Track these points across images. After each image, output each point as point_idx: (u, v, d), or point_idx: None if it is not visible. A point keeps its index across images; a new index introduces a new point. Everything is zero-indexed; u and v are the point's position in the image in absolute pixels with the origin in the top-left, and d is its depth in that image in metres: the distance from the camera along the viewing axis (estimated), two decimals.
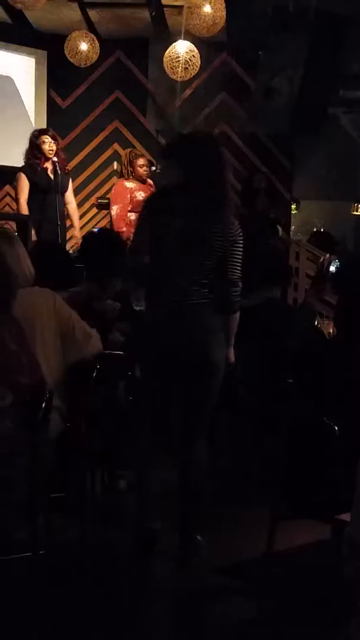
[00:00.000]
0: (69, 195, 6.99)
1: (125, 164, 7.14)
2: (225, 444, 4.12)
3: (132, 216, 6.93)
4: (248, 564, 3.32)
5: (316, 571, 3.23)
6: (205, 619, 2.98)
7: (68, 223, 7.08)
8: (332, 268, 3.25)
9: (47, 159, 6.62)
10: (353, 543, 1.66)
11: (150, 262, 3.25)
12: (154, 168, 7.27)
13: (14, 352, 2.79)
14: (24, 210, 6.58)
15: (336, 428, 2.71)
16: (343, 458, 2.61)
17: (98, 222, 8.78)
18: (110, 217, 7.19)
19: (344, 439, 2.66)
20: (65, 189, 6.84)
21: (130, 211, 6.94)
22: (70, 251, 5.96)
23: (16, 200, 6.77)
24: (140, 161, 7.05)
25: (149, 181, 7.09)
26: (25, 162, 6.70)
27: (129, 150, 7.55)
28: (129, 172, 7.08)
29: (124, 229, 6.69)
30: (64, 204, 6.86)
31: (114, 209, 7.03)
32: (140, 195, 6.88)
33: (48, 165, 6.64)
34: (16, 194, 6.71)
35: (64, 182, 6.81)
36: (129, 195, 6.95)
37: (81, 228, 7.59)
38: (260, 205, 7.67)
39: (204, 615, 3.01)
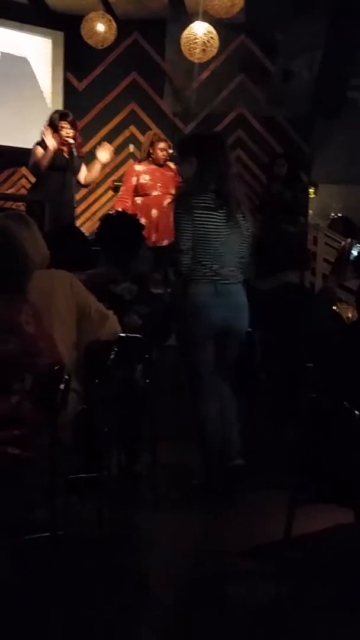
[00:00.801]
0: (80, 175, 6.93)
1: (147, 145, 7.11)
2: (245, 427, 4.10)
3: (138, 200, 6.92)
4: (268, 548, 3.31)
5: (338, 556, 3.21)
6: (225, 602, 2.97)
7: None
8: (354, 252, 3.21)
9: (63, 142, 6.59)
10: None
11: (195, 254, 3.82)
12: (171, 151, 7.23)
13: (32, 335, 2.77)
14: (42, 162, 6.48)
15: (356, 412, 2.68)
16: None
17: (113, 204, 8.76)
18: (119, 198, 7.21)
19: None
20: (77, 172, 6.82)
21: (135, 195, 6.91)
22: (87, 233, 5.94)
23: (35, 161, 6.61)
24: (162, 144, 7.03)
25: (169, 164, 7.05)
26: (42, 138, 6.65)
27: (152, 132, 7.51)
28: (148, 153, 7.04)
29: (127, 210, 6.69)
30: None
31: (121, 190, 7.11)
32: (144, 179, 6.87)
33: (64, 148, 6.62)
34: (32, 159, 6.62)
35: (79, 165, 6.80)
36: (135, 178, 6.94)
37: (97, 210, 7.56)
38: (280, 189, 7.62)
39: (224, 598, 3.00)
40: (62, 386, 2.71)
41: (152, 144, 7.05)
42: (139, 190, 6.94)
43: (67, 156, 6.61)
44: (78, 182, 6.87)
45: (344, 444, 2.73)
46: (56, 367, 2.75)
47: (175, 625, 2.82)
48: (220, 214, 3.80)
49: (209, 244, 3.79)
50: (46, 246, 3.09)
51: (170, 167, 7.05)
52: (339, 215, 9.66)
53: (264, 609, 2.92)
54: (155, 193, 6.96)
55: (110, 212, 5.61)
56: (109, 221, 4.22)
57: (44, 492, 2.67)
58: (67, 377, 2.74)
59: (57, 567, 2.72)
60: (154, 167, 7.01)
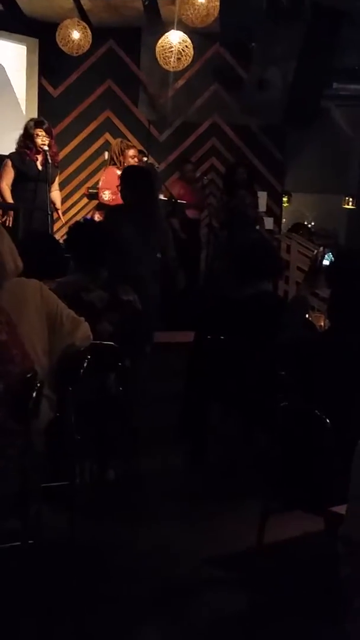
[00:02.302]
0: (54, 184, 6.97)
1: (117, 153, 7.12)
2: (216, 436, 4.11)
3: None
4: (240, 557, 3.31)
5: (308, 564, 3.22)
6: (197, 612, 2.97)
7: (55, 216, 7.07)
8: (325, 261, 3.24)
9: (39, 151, 6.60)
10: (349, 542, 1.64)
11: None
12: (145, 159, 7.24)
13: (3, 343, 2.76)
14: (4, 193, 6.60)
15: (327, 420, 2.70)
16: (334, 450, 2.60)
17: (88, 211, 8.75)
18: (101, 202, 7.17)
19: (336, 432, 2.66)
20: (53, 180, 6.85)
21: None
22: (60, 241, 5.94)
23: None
24: (131, 152, 7.03)
25: None
26: (16, 149, 6.68)
27: (119, 140, 7.52)
28: (120, 162, 7.05)
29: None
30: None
31: (106, 194, 7.07)
32: None
33: (39, 156, 6.63)
34: (2, 172, 6.67)
35: (53, 174, 6.82)
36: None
37: (71, 218, 7.58)
38: (242, 197, 7.65)
39: (196, 608, 2.99)
40: (34, 394, 2.70)
41: (121, 152, 7.06)
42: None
43: (40, 166, 6.61)
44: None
45: (315, 452, 2.75)
46: (28, 375, 2.75)
47: (148, 633, 2.81)
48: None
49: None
50: (18, 255, 3.08)
51: None
52: (304, 222, 9.74)
53: (236, 617, 2.92)
54: None
55: (79, 220, 5.62)
56: (77, 229, 4.21)
57: (16, 501, 2.65)
58: (39, 384, 2.73)
59: (28, 576, 2.71)
60: None
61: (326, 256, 3.27)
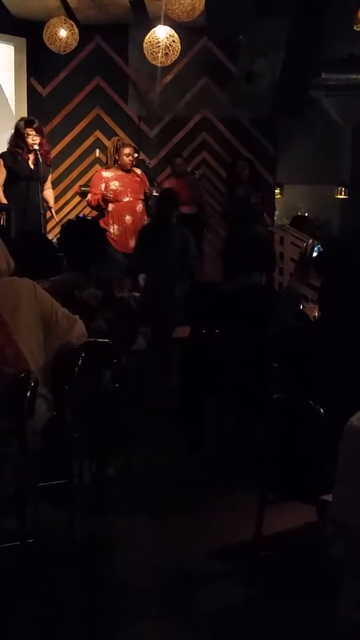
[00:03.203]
0: (47, 183, 6.99)
1: (112, 152, 7.13)
2: (211, 428, 4.13)
3: (110, 207, 6.93)
4: (238, 548, 3.33)
5: (304, 553, 3.24)
6: (196, 604, 2.98)
7: (48, 215, 7.08)
8: (315, 252, 3.26)
9: (30, 150, 6.61)
10: (337, 522, 1.67)
11: None
12: (137, 155, 7.24)
13: None
14: None
15: (321, 410, 2.72)
16: (328, 440, 2.62)
17: (81, 210, 8.76)
18: (88, 202, 7.24)
19: (329, 421, 2.67)
20: (45, 179, 6.85)
21: (104, 200, 6.92)
22: (54, 240, 5.96)
23: None
24: (127, 150, 7.03)
25: (135, 170, 7.07)
26: (7, 148, 6.69)
27: (116, 138, 7.53)
28: (115, 160, 7.06)
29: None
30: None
31: (89, 196, 7.16)
32: (115, 185, 6.88)
33: (30, 156, 6.64)
34: None
35: (46, 173, 6.82)
36: (103, 184, 6.94)
37: (64, 216, 7.59)
38: (242, 191, 7.68)
39: (195, 600, 3.01)
40: (28, 393, 2.72)
41: (117, 150, 7.07)
42: (109, 197, 6.92)
43: (32, 166, 6.62)
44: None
45: (310, 442, 2.76)
46: (22, 375, 2.76)
47: (149, 628, 2.83)
48: None
49: None
50: (8, 255, 3.09)
51: (136, 173, 7.07)
52: (305, 214, 9.74)
53: (236, 608, 2.94)
54: (126, 199, 6.96)
55: (72, 219, 5.64)
56: (70, 227, 4.23)
57: (14, 500, 2.67)
58: (33, 384, 2.74)
59: (28, 575, 2.72)
60: (121, 172, 7.01)
61: (315, 248, 3.28)
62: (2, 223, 6.30)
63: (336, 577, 1.64)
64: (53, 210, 7.25)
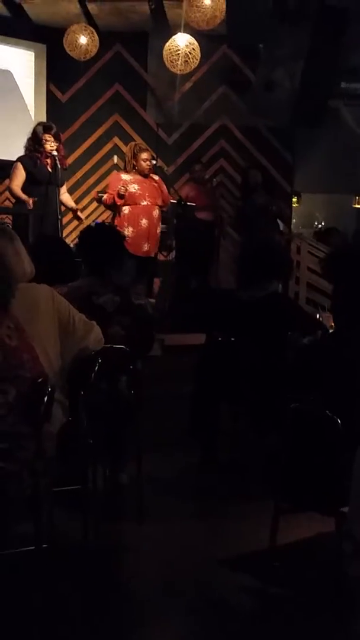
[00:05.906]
0: (63, 187, 7.01)
1: (129, 157, 7.11)
2: (227, 436, 4.11)
3: (126, 209, 6.92)
4: (252, 558, 3.31)
5: (319, 564, 3.22)
6: (208, 611, 2.97)
7: (67, 218, 7.10)
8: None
9: (48, 155, 6.64)
10: (354, 541, 1.64)
11: None
12: (154, 162, 7.25)
13: (14, 348, 2.78)
14: (16, 192, 6.66)
15: (339, 421, 2.70)
16: (346, 451, 2.60)
17: (98, 216, 8.78)
18: (103, 202, 7.21)
19: (347, 432, 2.66)
20: (62, 184, 6.88)
21: (119, 196, 6.89)
22: (71, 245, 5.96)
23: (9, 187, 6.80)
24: (144, 155, 7.02)
25: (153, 176, 7.07)
26: (25, 152, 6.71)
27: (133, 143, 7.52)
28: (132, 165, 7.05)
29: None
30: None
31: (105, 196, 7.10)
32: (133, 188, 6.88)
33: (48, 160, 6.67)
34: (10, 180, 6.72)
35: (62, 177, 6.86)
36: (122, 188, 6.93)
37: (81, 222, 7.59)
38: (259, 199, 7.67)
39: (207, 607, 3.00)
40: (45, 398, 2.72)
41: (134, 155, 7.06)
42: (127, 200, 6.92)
43: (50, 169, 6.65)
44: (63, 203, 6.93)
45: (327, 453, 2.75)
46: (39, 380, 2.76)
47: (162, 634, 2.82)
48: None
49: None
50: (30, 260, 3.09)
51: (154, 179, 7.07)
52: (324, 226, 9.71)
53: (250, 617, 2.93)
54: (144, 203, 6.95)
55: (90, 225, 5.62)
56: (88, 233, 4.23)
57: (29, 505, 2.67)
58: (50, 389, 2.75)
59: (42, 580, 2.72)
60: (140, 177, 7.02)
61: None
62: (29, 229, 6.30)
63: (354, 595, 1.62)
64: (79, 211, 7.23)
